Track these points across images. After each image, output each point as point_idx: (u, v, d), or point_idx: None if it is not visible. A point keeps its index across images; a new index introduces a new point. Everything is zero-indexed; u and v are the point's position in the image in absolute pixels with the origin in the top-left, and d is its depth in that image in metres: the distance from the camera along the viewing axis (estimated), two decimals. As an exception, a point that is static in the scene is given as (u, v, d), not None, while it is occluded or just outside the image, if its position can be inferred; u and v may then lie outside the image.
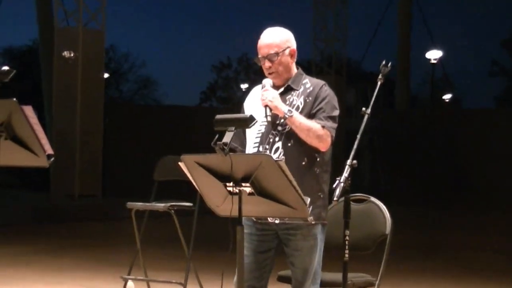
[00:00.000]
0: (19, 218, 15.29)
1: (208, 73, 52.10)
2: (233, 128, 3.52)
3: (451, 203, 20.77)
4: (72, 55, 16.04)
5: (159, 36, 79.72)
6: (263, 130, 4.07)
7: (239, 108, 4.33)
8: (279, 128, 4.04)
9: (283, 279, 4.39)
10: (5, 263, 7.98)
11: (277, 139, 4.03)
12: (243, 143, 4.17)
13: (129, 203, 6.60)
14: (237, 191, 3.50)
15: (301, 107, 4.06)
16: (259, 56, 4.14)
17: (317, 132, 3.97)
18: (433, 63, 30.66)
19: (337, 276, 4.22)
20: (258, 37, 4.17)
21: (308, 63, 23.58)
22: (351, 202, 3.91)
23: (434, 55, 30.13)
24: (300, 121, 3.97)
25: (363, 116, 3.96)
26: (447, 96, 41.89)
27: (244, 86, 44.79)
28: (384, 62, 4.09)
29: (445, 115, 25.37)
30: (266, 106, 4.02)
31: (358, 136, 3.87)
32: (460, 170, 21.83)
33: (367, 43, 29.26)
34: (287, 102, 4.07)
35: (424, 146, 22.65)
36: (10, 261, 8.92)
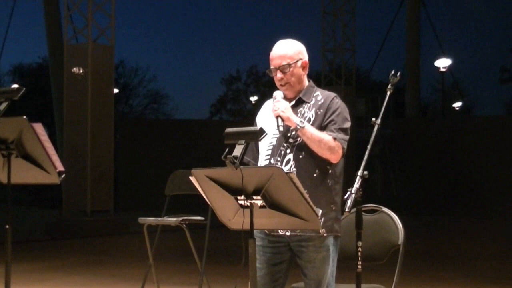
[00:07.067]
0: (32, 234, 15.34)
1: (218, 86, 52.20)
2: (243, 142, 3.51)
3: (464, 212, 20.69)
4: (81, 71, 16.08)
5: (168, 50, 79.98)
6: (274, 143, 4.07)
7: (250, 121, 4.32)
8: (291, 140, 4.04)
9: (296, 292, 4.37)
10: (19, 280, 7.97)
11: (288, 151, 4.03)
12: (255, 157, 4.17)
13: (141, 218, 6.61)
14: (248, 204, 3.49)
15: (312, 119, 4.06)
16: (271, 67, 4.15)
17: (329, 144, 3.96)
18: (443, 71, 30.63)
19: (350, 287, 4.21)
20: (267, 49, 4.18)
21: (317, 74, 23.60)
22: (363, 213, 3.90)
23: (443, 63, 30.10)
24: (311, 132, 3.96)
25: (373, 126, 3.95)
26: (457, 104, 41.80)
27: (254, 98, 44.84)
28: (393, 72, 4.08)
29: (456, 123, 25.29)
30: (278, 116, 4.01)
31: (369, 147, 3.86)
32: (472, 178, 21.74)
33: (376, 52, 29.30)
34: (299, 115, 4.07)
35: (435, 154, 22.58)
36: (23, 278, 8.92)
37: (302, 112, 4.10)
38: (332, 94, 4.16)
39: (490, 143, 21.88)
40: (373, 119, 3.97)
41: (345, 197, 3.68)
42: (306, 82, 4.21)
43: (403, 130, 24.65)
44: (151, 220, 6.56)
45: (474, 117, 34.32)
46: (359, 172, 3.74)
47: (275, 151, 4.05)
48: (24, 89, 4.22)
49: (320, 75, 23.16)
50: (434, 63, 30.96)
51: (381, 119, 3.97)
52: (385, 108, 3.99)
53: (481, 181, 21.55)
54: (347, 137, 4.05)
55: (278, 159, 4.02)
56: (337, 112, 4.07)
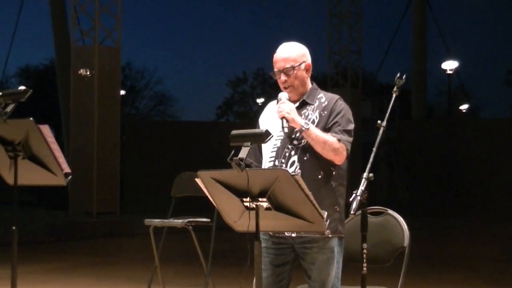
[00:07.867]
0: (38, 236, 15.36)
1: (224, 88, 52.19)
2: (249, 144, 3.51)
3: (469, 214, 20.65)
4: (88, 73, 16.11)
5: (175, 52, 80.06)
6: (278, 144, 4.08)
7: (256, 123, 4.33)
8: (295, 142, 4.04)
9: (301, 294, 4.37)
10: (24, 281, 7.98)
11: (293, 153, 4.03)
12: (258, 159, 4.18)
13: (147, 220, 6.61)
14: (254, 206, 3.49)
15: (316, 121, 4.07)
16: (275, 70, 4.16)
17: (333, 145, 3.97)
18: (450, 74, 30.57)
19: (356, 290, 4.20)
20: (273, 51, 4.19)
21: (324, 76, 23.60)
22: (369, 215, 3.90)
23: (450, 65, 30.05)
24: (316, 134, 3.97)
25: (379, 129, 3.96)
26: (463, 107, 41.71)
27: (260, 100, 44.81)
28: (398, 75, 4.09)
29: (462, 125, 25.23)
30: (283, 118, 4.02)
31: (374, 149, 3.87)
32: (477, 180, 21.71)
33: (382, 54, 29.26)
34: (303, 117, 4.08)
35: (441, 157, 22.55)
36: (29, 279, 8.94)
37: (306, 114, 4.11)
38: (336, 96, 4.17)
39: (496, 145, 21.85)
40: (379, 121, 3.98)
41: (351, 199, 3.68)
42: (309, 85, 4.22)
43: (409, 132, 24.62)
44: (157, 221, 6.57)
45: (480, 119, 34.28)
46: (365, 174, 3.74)
47: (279, 153, 4.06)
48: (31, 91, 4.23)
49: (327, 77, 23.16)
50: (440, 65, 30.91)
51: (387, 121, 3.98)
52: (390, 110, 4.00)
53: (486, 183, 21.51)
54: (351, 139, 4.06)
55: (283, 161, 4.03)
56: (341, 114, 4.08)
